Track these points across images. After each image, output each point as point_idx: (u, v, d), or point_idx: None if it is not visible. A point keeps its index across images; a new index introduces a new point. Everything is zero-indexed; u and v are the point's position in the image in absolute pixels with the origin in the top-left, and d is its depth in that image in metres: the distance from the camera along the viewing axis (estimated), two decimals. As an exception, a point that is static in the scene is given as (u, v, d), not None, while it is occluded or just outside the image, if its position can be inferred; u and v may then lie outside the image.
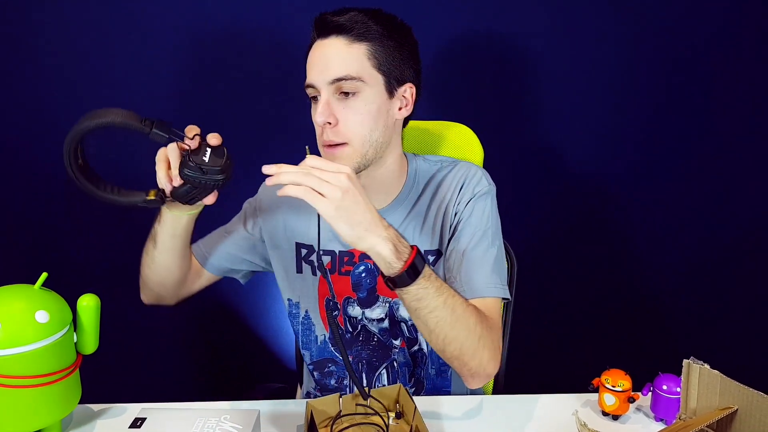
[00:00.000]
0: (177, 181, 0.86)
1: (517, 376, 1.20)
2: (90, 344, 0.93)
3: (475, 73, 1.61)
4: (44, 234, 1.65)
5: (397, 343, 1.08)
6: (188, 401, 0.99)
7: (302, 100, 1.02)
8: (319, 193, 0.78)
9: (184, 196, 0.88)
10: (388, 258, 0.82)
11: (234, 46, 1.55)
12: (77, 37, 1.52)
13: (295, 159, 1.07)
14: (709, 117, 1.66)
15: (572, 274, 1.77)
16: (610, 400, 0.93)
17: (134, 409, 0.97)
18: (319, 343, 1.11)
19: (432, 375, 1.10)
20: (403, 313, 1.07)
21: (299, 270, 1.10)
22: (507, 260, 1.24)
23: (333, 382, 1.10)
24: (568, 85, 1.62)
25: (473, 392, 1.19)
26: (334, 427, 0.91)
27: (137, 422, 0.81)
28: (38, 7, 1.49)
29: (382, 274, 0.86)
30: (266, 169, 0.78)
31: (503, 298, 1.01)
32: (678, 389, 0.91)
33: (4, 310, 0.82)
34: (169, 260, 1.03)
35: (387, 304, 1.07)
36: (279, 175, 0.78)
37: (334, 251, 1.07)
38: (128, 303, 1.70)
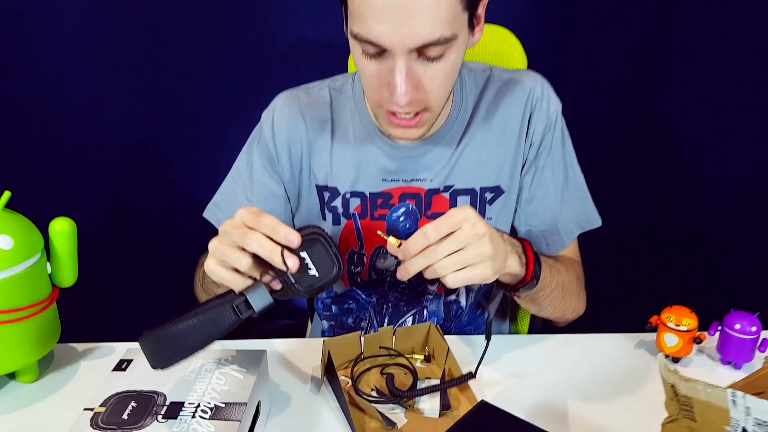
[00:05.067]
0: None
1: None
2: (67, 275, 0.79)
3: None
4: (8, 149, 1.47)
5: (433, 288, 0.93)
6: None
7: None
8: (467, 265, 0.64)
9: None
10: (517, 272, 0.74)
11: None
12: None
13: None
14: None
15: (628, 200, 1.60)
16: (671, 341, 0.81)
17: (123, 349, 0.84)
18: (336, 294, 0.98)
19: (464, 323, 0.98)
20: None
21: (323, 218, 0.93)
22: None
23: (350, 320, 0.97)
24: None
25: (499, 331, 1.07)
26: (355, 369, 0.79)
27: (122, 364, 0.68)
28: None
29: (499, 284, 0.79)
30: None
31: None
32: (753, 329, 0.79)
33: (-43, 232, 0.68)
34: None
35: None
36: (405, 269, 0.65)
37: (363, 193, 0.89)
38: (113, 229, 1.55)
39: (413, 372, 0.78)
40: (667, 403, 0.57)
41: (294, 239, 0.59)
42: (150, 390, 0.65)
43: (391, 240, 0.65)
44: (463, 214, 0.62)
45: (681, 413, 0.56)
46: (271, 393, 0.74)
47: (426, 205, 0.89)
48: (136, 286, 1.63)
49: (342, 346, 0.79)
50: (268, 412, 0.72)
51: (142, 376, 0.67)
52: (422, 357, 0.82)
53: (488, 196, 0.88)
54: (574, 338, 0.88)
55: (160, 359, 0.60)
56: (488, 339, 0.73)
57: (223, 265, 0.62)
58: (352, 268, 0.92)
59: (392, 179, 0.88)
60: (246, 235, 0.60)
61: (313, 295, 0.62)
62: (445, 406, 0.72)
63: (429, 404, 0.74)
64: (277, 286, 0.62)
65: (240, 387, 0.65)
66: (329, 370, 0.76)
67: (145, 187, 1.54)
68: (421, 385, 0.77)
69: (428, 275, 0.64)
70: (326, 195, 0.90)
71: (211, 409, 0.62)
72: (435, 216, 0.89)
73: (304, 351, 0.85)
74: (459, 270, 0.62)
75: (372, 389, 0.76)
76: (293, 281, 0.60)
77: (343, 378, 0.78)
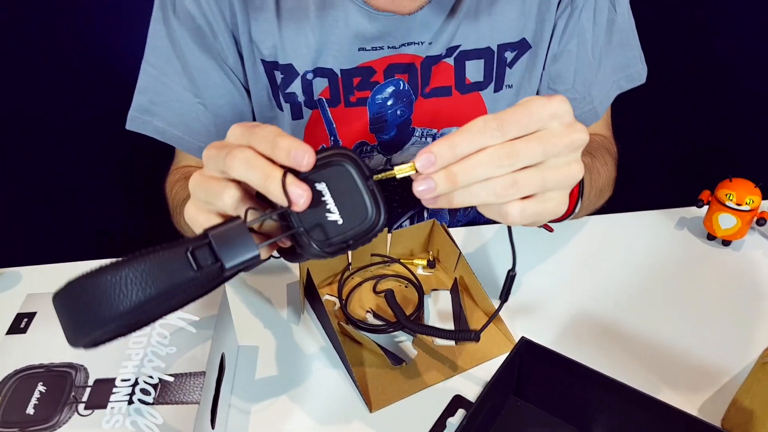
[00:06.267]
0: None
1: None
2: None
3: None
4: None
5: None
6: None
7: None
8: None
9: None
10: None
11: None
12: None
13: None
14: None
15: (674, 40, 1.35)
16: (727, 222, 0.66)
17: (33, 277, 0.64)
18: None
19: (471, 218, 0.79)
20: None
21: (279, 108, 0.67)
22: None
23: None
24: None
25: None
26: (344, 284, 0.62)
27: (21, 322, 0.49)
28: None
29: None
30: (422, 189, 0.35)
31: None
32: (828, 204, 0.64)
33: None
34: None
35: (429, 139, 0.70)
36: (450, 193, 0.36)
37: (332, 70, 0.63)
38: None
39: (417, 285, 0.62)
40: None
41: (302, 156, 0.34)
42: (65, 363, 0.46)
43: (401, 168, 0.37)
44: (554, 106, 0.35)
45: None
46: (237, 333, 0.57)
47: (423, 79, 0.65)
48: (50, 192, 1.34)
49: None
50: (235, 362, 0.55)
51: (52, 340, 0.48)
52: (425, 262, 0.65)
53: (509, 56, 0.65)
54: (597, 220, 0.73)
55: (81, 329, 0.36)
56: (504, 299, 0.48)
57: (204, 209, 0.38)
58: None
59: (373, 47, 0.62)
60: (231, 153, 0.35)
61: (333, 252, 0.37)
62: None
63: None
64: (282, 243, 0.39)
65: (193, 346, 0.47)
66: (310, 291, 0.59)
67: (59, 39, 1.20)
68: (428, 300, 0.61)
69: (474, 198, 0.35)
70: (279, 76, 0.64)
71: (155, 386, 0.44)
72: (438, 93, 0.66)
73: (275, 267, 0.66)
74: (529, 199, 0.36)
75: (367, 311, 0.60)
76: (300, 227, 0.36)
77: (329, 298, 0.61)
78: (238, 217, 0.36)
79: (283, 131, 0.36)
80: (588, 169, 0.59)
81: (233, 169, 0.35)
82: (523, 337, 0.48)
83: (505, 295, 0.46)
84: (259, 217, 0.36)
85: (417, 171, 0.36)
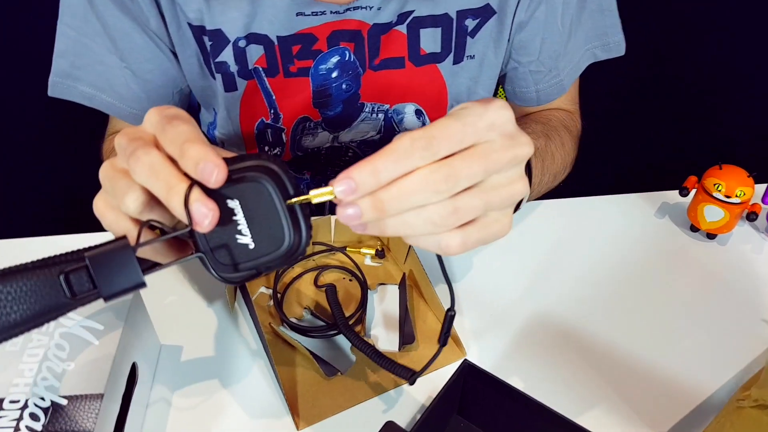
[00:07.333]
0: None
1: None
2: None
3: None
4: None
5: None
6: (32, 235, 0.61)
7: None
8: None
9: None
10: None
11: None
12: None
13: None
14: None
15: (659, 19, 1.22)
16: (714, 215, 0.59)
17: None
18: None
19: None
20: (410, 122, 0.63)
21: (212, 75, 0.59)
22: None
23: None
24: None
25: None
26: (281, 276, 0.57)
27: None
28: None
29: None
30: (347, 214, 0.30)
31: None
32: (827, 198, 0.57)
33: None
34: None
35: (380, 115, 0.63)
36: (381, 221, 0.31)
37: (267, 37, 0.55)
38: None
39: (361, 280, 0.56)
40: (762, 382, 0.38)
41: (211, 171, 0.29)
42: (-53, 380, 0.41)
43: (318, 192, 0.31)
44: (492, 115, 0.29)
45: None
46: (160, 331, 0.52)
47: (371, 50, 0.57)
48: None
49: (259, 248, 0.55)
50: (154, 371, 0.50)
51: (-62, 350, 0.43)
52: (373, 251, 0.59)
53: (470, 24, 0.57)
54: (562, 204, 0.66)
55: None
56: (443, 344, 0.44)
57: (113, 205, 0.33)
58: (267, 148, 0.63)
59: (314, 12, 0.54)
60: (135, 154, 0.30)
61: (239, 280, 0.33)
62: (407, 339, 0.52)
63: (385, 332, 0.53)
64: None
65: (94, 361, 0.42)
66: (241, 287, 0.53)
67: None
68: (372, 296, 0.56)
69: (409, 228, 0.30)
70: (207, 43, 0.56)
71: (46, 411, 0.40)
72: (389, 65, 0.58)
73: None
74: (469, 225, 0.31)
75: (305, 308, 0.55)
76: (204, 250, 0.32)
77: (264, 291, 0.56)
78: (124, 238, 0.31)
79: (197, 133, 0.31)
80: (541, 153, 0.54)
81: (136, 173, 0.31)
82: (465, 359, 0.43)
83: (443, 339, 0.41)
84: (152, 240, 0.32)
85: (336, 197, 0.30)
